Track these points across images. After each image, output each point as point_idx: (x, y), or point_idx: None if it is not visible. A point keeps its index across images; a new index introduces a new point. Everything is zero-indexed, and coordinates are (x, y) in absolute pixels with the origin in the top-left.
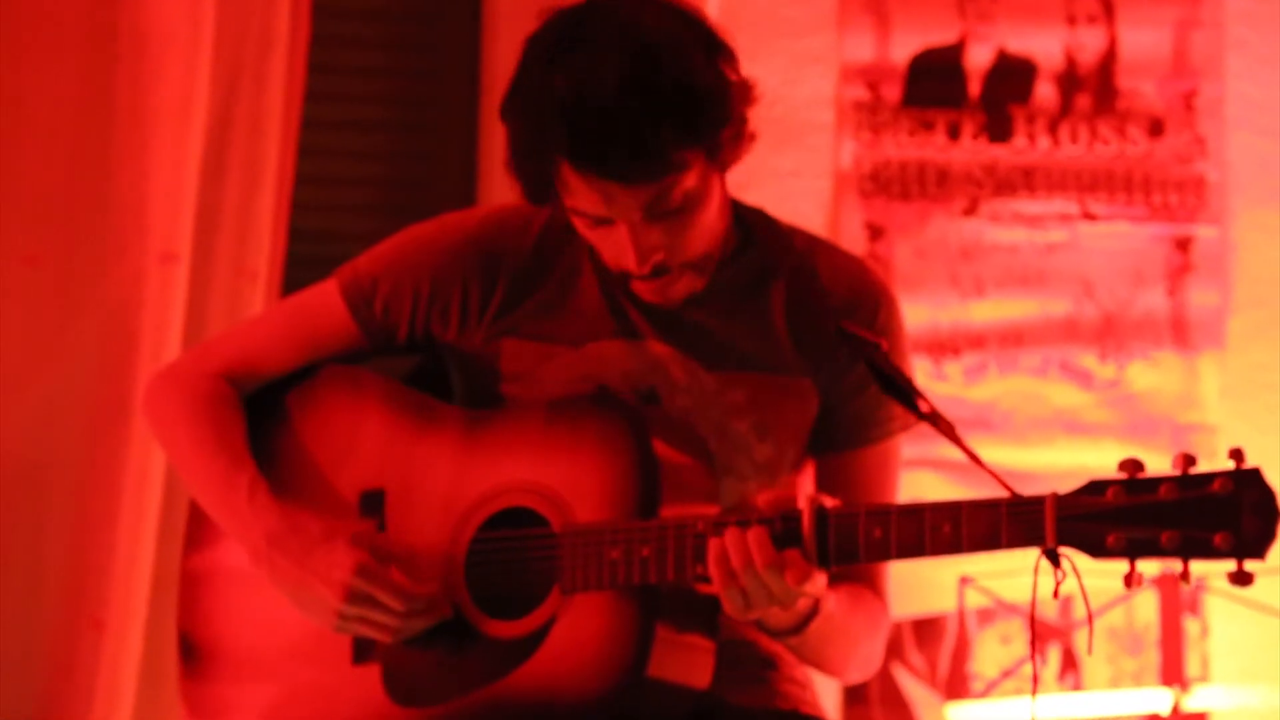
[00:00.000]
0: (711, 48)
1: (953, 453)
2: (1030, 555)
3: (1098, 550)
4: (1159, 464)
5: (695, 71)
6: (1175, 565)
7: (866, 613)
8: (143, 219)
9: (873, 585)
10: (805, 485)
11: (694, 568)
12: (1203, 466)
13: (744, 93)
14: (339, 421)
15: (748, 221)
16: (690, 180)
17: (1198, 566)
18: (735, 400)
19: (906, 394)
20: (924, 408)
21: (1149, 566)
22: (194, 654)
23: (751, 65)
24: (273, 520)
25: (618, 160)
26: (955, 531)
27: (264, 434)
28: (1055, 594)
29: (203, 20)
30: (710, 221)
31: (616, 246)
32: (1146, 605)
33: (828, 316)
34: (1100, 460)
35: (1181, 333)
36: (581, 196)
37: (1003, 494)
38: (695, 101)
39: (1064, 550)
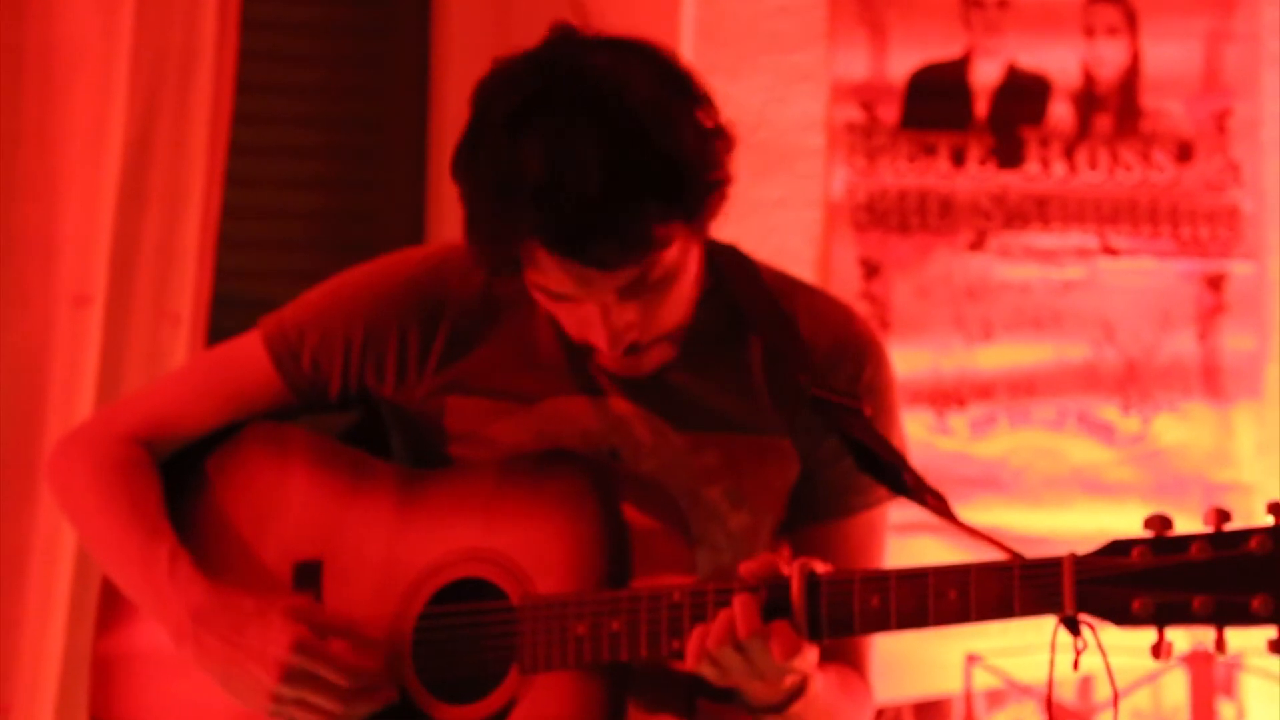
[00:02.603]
0: (692, 99)
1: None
2: (1044, 630)
3: (1122, 617)
4: (1190, 525)
5: (682, 141)
6: (1208, 636)
7: (852, 697)
8: (52, 256)
9: (855, 664)
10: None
11: (669, 643)
12: (1238, 525)
13: (727, 146)
14: (267, 485)
15: (718, 262)
16: (672, 254)
17: (1234, 636)
18: (707, 463)
19: (889, 471)
20: (910, 484)
21: (1179, 637)
22: None
23: (733, 84)
24: (198, 595)
25: (599, 250)
26: (963, 598)
27: (183, 501)
28: (1075, 666)
29: (118, 33)
30: (687, 289)
31: (583, 323)
32: (1176, 686)
33: (805, 373)
34: (1124, 523)
35: (1214, 381)
36: (552, 277)
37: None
38: (683, 175)
39: (1084, 618)
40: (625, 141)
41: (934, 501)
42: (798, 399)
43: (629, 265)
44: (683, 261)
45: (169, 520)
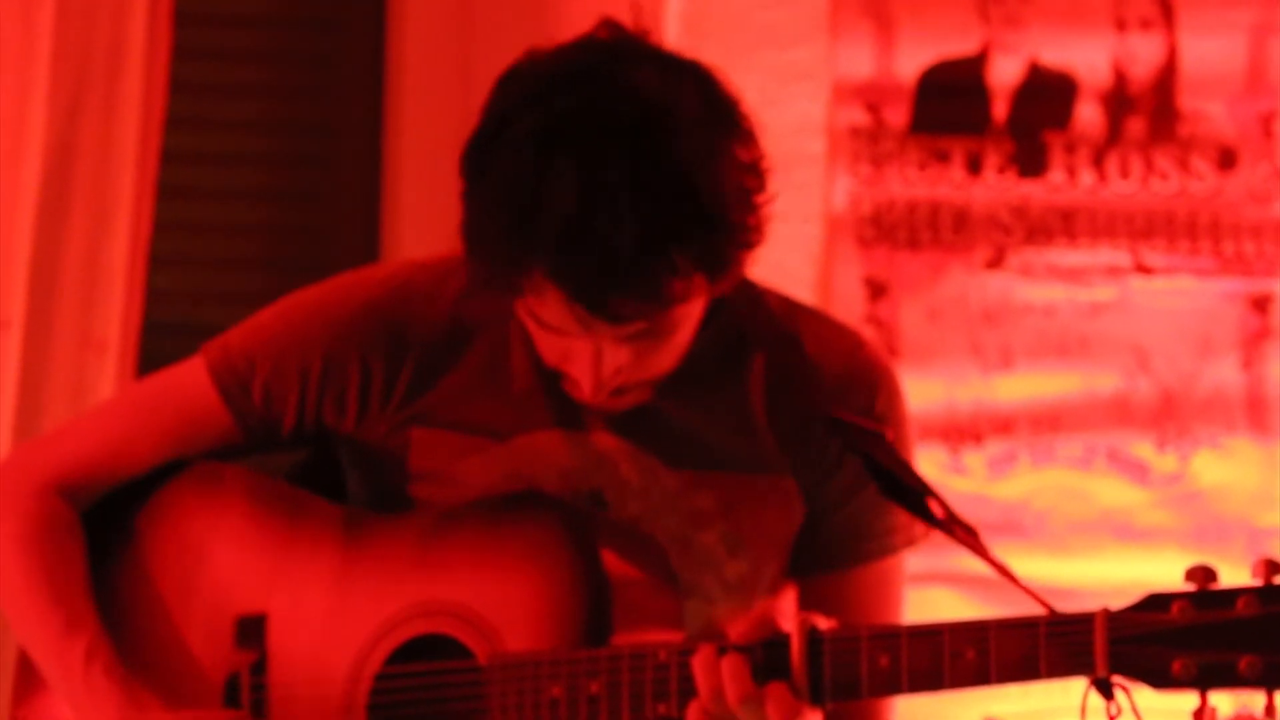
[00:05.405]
0: (737, 136)
1: (973, 564)
2: (1072, 691)
3: (1161, 680)
4: (1234, 575)
5: (725, 192)
6: (1257, 700)
7: None
8: None
9: None
10: (791, 604)
11: (654, 707)
12: None
13: (766, 198)
14: (202, 531)
15: None
16: (685, 306)
17: None
18: (701, 506)
19: (918, 498)
20: (939, 513)
21: (1223, 701)
22: None
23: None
24: (111, 711)
25: (617, 305)
26: (982, 658)
27: (111, 549)
28: None
29: (38, 27)
30: (685, 336)
31: (566, 355)
32: None
33: (814, 403)
34: (1159, 572)
35: (1259, 415)
36: (552, 312)
37: (1040, 611)
38: (720, 232)
39: (1118, 680)
40: (666, 187)
41: (964, 534)
42: (804, 434)
43: (640, 320)
44: (692, 310)
45: (91, 598)
